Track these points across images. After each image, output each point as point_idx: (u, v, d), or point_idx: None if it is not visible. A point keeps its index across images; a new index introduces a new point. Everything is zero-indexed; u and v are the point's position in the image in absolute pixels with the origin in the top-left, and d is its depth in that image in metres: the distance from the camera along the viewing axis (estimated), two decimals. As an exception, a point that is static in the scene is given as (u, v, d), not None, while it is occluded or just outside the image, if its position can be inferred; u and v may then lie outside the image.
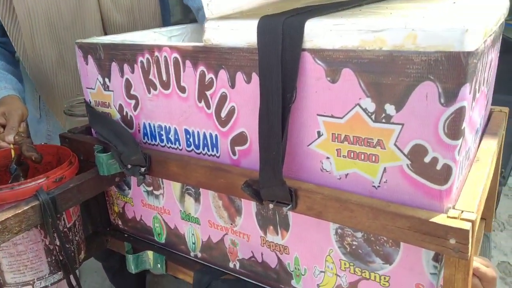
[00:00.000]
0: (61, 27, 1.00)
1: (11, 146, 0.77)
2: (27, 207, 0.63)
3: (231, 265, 0.75)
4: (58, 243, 0.72)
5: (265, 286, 0.72)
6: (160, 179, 0.77)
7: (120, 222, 0.90)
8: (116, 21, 1.04)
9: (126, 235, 0.90)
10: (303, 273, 0.66)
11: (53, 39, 1.01)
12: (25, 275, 0.71)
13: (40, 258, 0.72)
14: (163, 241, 0.84)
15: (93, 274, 1.95)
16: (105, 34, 1.04)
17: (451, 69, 0.43)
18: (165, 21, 1.11)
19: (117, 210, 0.89)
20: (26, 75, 1.07)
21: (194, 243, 0.79)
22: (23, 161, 0.77)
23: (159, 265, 0.82)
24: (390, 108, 0.48)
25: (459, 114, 0.45)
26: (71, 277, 0.76)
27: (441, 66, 0.43)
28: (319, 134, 0.55)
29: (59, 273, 0.75)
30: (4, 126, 0.81)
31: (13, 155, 0.76)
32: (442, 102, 0.45)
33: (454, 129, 0.45)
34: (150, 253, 0.82)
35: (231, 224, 0.71)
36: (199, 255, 0.79)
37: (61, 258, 0.74)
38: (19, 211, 0.62)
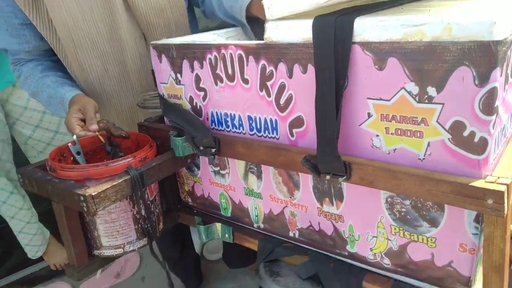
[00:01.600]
0: (100, 41, 1.08)
1: (97, 133, 0.91)
2: (121, 180, 0.77)
3: (291, 234, 0.85)
4: (143, 213, 0.85)
5: (323, 252, 0.82)
6: (226, 160, 0.88)
7: (189, 200, 1.03)
8: (152, 22, 1.11)
9: (195, 211, 1.02)
10: (357, 239, 0.75)
11: (95, 53, 1.09)
12: (117, 239, 0.85)
13: (129, 225, 0.85)
14: (229, 215, 0.95)
15: (153, 258, 2.11)
16: (144, 36, 1.13)
17: (483, 56, 0.50)
18: (190, 13, 1.21)
19: (187, 189, 1.02)
20: None
21: (257, 216, 0.90)
22: (113, 142, 0.91)
23: (226, 235, 0.93)
24: (431, 90, 0.56)
25: (492, 94, 0.52)
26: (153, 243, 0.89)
27: (474, 53, 0.51)
28: (369, 115, 0.63)
29: (144, 239, 0.88)
30: (83, 120, 0.95)
31: (102, 140, 0.90)
32: (476, 83, 0.52)
33: (488, 106, 0.53)
34: (218, 225, 0.94)
35: (290, 197, 0.81)
36: (262, 226, 0.90)
37: (145, 226, 0.87)
38: (115, 183, 0.76)
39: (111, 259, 0.90)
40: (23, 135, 1.77)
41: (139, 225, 0.87)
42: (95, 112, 0.96)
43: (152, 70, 0.94)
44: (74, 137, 0.90)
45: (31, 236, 1.86)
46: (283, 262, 0.85)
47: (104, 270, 2.00)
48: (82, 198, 0.72)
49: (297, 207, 0.81)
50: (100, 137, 0.91)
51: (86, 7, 1.04)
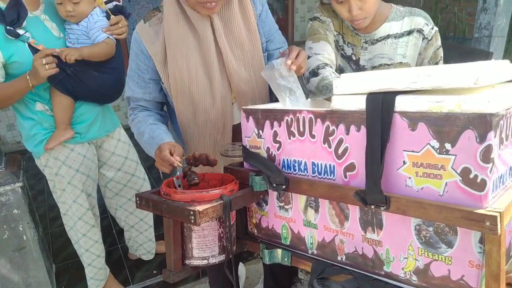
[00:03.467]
0: (197, 95, 1.44)
1: (178, 163, 1.20)
2: (217, 203, 1.04)
3: (339, 258, 1.09)
4: (226, 233, 1.11)
5: (364, 272, 1.04)
6: (290, 196, 1.15)
7: (255, 231, 1.28)
8: (242, 90, 1.46)
9: (259, 240, 1.27)
10: (392, 260, 0.98)
11: (189, 101, 1.46)
12: (205, 252, 1.11)
13: (215, 241, 1.11)
14: (288, 243, 1.20)
15: None
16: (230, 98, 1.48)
17: (481, 123, 0.78)
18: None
19: (254, 222, 1.28)
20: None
21: (311, 243, 1.14)
22: (191, 171, 1.20)
23: (286, 259, 1.17)
24: (448, 146, 0.83)
25: (488, 149, 0.79)
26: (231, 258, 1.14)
27: (476, 121, 0.78)
28: (404, 162, 0.90)
29: (223, 255, 1.14)
30: (171, 154, 1.25)
31: (181, 165, 1.19)
32: (478, 141, 0.79)
33: (486, 157, 0.79)
34: (279, 251, 1.19)
35: (341, 227, 1.06)
36: (315, 252, 1.14)
37: (225, 245, 1.13)
38: (214, 205, 1.03)
39: (197, 269, 1.14)
40: (106, 177, 2.11)
41: (222, 243, 1.12)
42: (182, 153, 1.28)
43: (233, 126, 1.24)
44: (178, 173, 1.20)
45: (97, 270, 2.12)
46: (331, 279, 1.07)
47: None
48: (192, 213, 0.99)
49: (346, 235, 1.06)
50: (179, 164, 1.20)
51: (193, 73, 1.42)
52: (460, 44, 3.51)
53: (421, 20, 1.46)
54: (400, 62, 1.50)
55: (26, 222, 2.02)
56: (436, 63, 1.52)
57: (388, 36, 1.47)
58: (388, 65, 1.50)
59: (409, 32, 1.47)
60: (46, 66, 1.58)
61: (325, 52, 1.48)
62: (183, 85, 1.43)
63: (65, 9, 1.70)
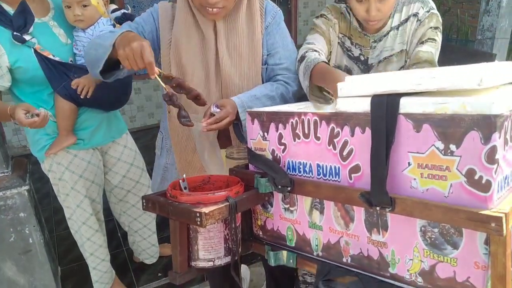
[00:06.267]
0: (193, 79, 1.44)
1: (156, 73, 1.20)
2: (223, 205, 1.05)
3: (344, 259, 1.09)
4: (232, 235, 1.12)
5: (369, 274, 1.04)
6: (295, 198, 1.16)
7: (260, 233, 1.29)
8: (232, 95, 1.45)
9: (264, 242, 1.28)
10: (397, 262, 0.98)
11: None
12: (211, 253, 1.11)
13: (220, 243, 1.12)
14: (293, 245, 1.20)
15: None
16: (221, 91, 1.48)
17: (486, 124, 0.78)
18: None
19: (259, 224, 1.28)
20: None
21: (317, 245, 1.14)
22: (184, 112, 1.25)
23: (291, 261, 1.17)
24: (452, 147, 0.84)
25: (493, 149, 0.79)
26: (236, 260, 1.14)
27: (480, 122, 0.79)
28: (409, 164, 0.91)
29: (228, 257, 1.14)
30: None
31: (163, 85, 1.24)
32: (482, 142, 0.80)
33: (491, 158, 0.79)
34: (284, 253, 1.19)
35: (346, 228, 1.06)
36: (320, 254, 1.14)
37: (230, 246, 1.13)
38: (219, 207, 1.04)
39: (202, 271, 1.15)
40: (111, 184, 2.12)
41: (227, 245, 1.13)
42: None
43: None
44: (184, 176, 1.21)
45: (102, 273, 2.13)
46: (336, 281, 1.07)
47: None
48: (198, 215, 1.00)
49: (351, 237, 1.06)
50: (157, 75, 1.21)
51: (190, 66, 1.45)
52: (463, 46, 3.51)
53: (418, 5, 1.43)
54: (401, 50, 1.47)
55: (32, 225, 2.04)
56: (422, 43, 1.42)
57: (391, 29, 1.46)
58: (390, 56, 1.49)
59: (407, 20, 1.45)
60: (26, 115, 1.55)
61: (316, 42, 1.47)
62: (179, 74, 1.44)
63: (74, 12, 1.71)
